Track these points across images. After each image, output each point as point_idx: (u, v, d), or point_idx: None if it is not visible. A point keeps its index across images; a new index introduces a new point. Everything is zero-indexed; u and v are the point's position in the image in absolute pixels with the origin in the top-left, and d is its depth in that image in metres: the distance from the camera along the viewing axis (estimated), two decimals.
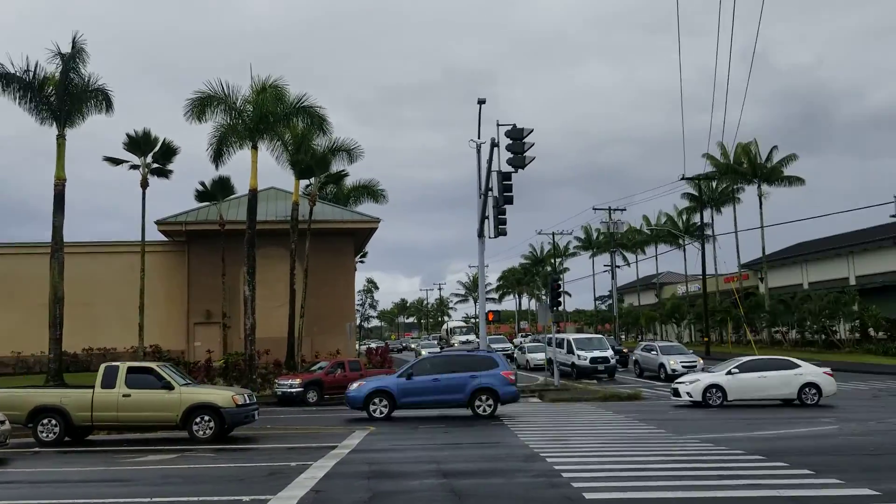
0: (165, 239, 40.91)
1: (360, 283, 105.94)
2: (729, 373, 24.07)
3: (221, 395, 17.45)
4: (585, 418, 20.85)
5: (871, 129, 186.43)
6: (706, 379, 24.28)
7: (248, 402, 17.63)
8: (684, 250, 72.15)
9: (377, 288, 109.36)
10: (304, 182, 39.86)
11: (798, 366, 24.23)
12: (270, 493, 9.87)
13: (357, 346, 55.74)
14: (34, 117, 30.93)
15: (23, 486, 11.46)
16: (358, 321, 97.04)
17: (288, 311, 36.23)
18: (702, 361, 36.74)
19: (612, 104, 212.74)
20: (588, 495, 9.67)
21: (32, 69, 30.24)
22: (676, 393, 24.47)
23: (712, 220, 65.33)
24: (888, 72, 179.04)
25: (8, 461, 14.39)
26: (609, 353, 37.76)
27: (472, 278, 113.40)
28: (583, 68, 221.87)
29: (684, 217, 70.38)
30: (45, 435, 16.87)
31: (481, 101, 28.19)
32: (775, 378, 23.76)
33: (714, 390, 23.61)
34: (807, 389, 23.57)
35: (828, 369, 24.91)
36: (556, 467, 11.95)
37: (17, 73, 30.08)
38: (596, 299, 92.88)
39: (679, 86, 63.97)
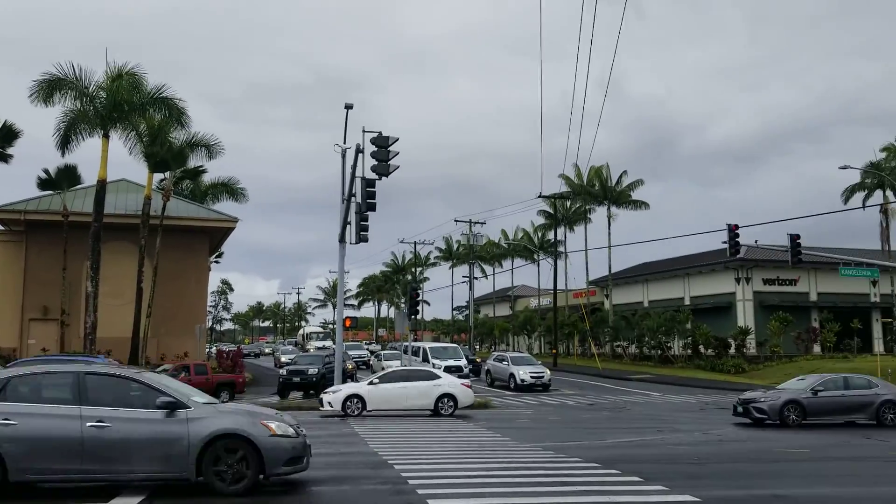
0: (1, 228, 38.05)
1: (214, 283, 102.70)
2: (371, 383, 24.95)
3: None
4: (436, 426, 21.24)
5: (712, 161, 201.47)
6: (347, 389, 24.90)
7: None
8: (538, 265, 75.00)
9: (232, 290, 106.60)
10: (158, 176, 38.33)
11: (438, 377, 25.32)
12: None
13: (208, 349, 53.94)
14: None
15: None
16: (210, 323, 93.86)
17: (134, 310, 34.62)
18: (549, 372, 38.30)
19: (478, 119, 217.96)
20: (431, 501, 9.95)
21: None
22: (321, 403, 24.83)
23: (565, 237, 68.55)
24: (727, 109, 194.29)
25: None
26: (463, 362, 38.62)
27: (331, 284, 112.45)
28: (450, 82, 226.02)
29: (540, 233, 73.26)
30: None
31: (348, 106, 28.20)
32: (415, 389, 24.62)
33: (354, 400, 24.02)
34: (444, 400, 24.57)
35: (467, 381, 26.59)
36: (404, 474, 12.17)
37: None
38: (454, 309, 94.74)
39: (540, 106, 66.53)
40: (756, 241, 40.01)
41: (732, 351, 49.40)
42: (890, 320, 51.89)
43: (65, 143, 32.14)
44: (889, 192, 48.34)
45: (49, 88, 30.53)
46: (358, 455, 14.97)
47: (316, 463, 13.89)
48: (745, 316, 53.06)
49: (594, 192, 61.81)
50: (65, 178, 36.57)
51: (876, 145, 49.13)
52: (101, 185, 31.52)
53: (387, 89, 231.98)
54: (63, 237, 35.84)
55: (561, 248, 66.43)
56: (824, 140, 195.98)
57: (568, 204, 65.60)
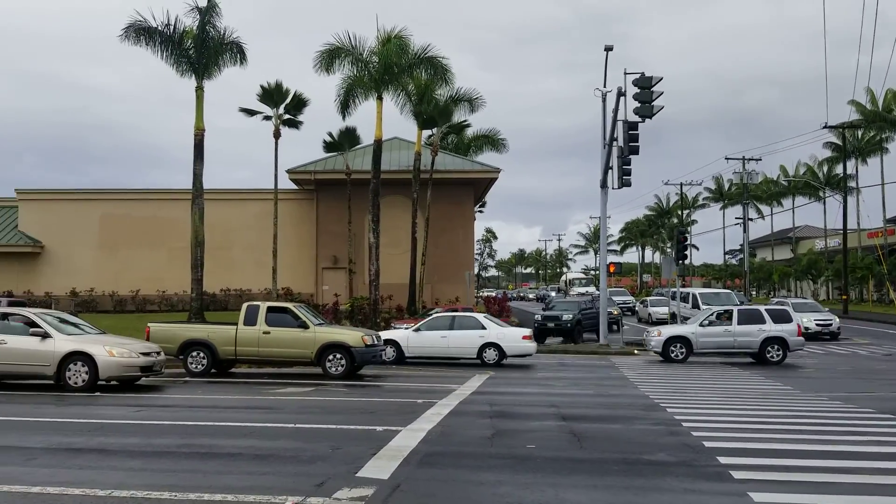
0: (296, 187, 42.69)
1: (479, 232, 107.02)
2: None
3: (352, 335, 18.41)
4: (709, 373, 20.57)
5: None
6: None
7: (375, 342, 18.54)
8: (824, 203, 68.30)
9: (496, 238, 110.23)
10: (426, 132, 40.49)
11: (485, 328, 22.16)
12: (401, 426, 10.50)
13: (475, 295, 56.47)
14: (174, 69, 32.40)
15: (182, 410, 12.70)
16: (476, 270, 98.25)
17: (410, 259, 37.24)
18: (838, 320, 35.06)
19: (755, 43, 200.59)
20: (708, 444, 9.73)
21: (172, 23, 31.51)
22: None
23: (856, 171, 61.28)
24: None
25: (164, 388, 15.91)
26: None
27: (592, 229, 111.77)
28: (722, 4, 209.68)
29: (825, 168, 66.49)
30: (193, 366, 18.40)
31: (608, 49, 27.55)
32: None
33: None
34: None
35: (527, 332, 23.49)
36: (677, 417, 12.00)
37: (159, 28, 31.52)
38: (725, 253, 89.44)
39: (823, 20, 59.74)
40: None
41: None
42: None
43: (344, 107, 35.04)
44: None
45: (329, 58, 33.34)
46: (628, 397, 15.02)
47: (585, 402, 14.26)
48: None
49: (892, 118, 54.56)
50: (346, 140, 39.96)
51: None
52: (378, 145, 34.04)
53: (652, 20, 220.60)
54: (347, 193, 39.36)
55: (851, 184, 59.58)
56: None
57: (859, 134, 58.65)
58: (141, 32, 31.42)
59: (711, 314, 24.90)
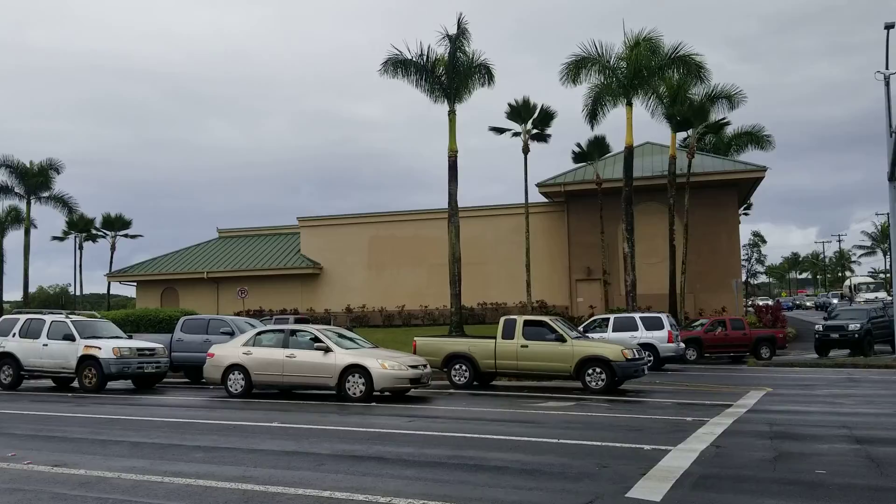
0: (546, 200, 43.00)
1: (744, 236, 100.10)
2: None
3: (611, 348, 17.98)
4: None
5: None
6: None
7: (636, 356, 17.93)
8: None
9: (764, 242, 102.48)
10: (680, 134, 38.85)
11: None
12: (670, 445, 9.93)
13: (745, 304, 52.94)
14: (428, 96, 34.35)
15: (449, 421, 13.14)
16: (744, 277, 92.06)
17: (668, 268, 35.84)
18: None
19: None
20: None
21: (425, 53, 33.61)
22: None
23: None
24: None
25: (431, 399, 16.62)
26: None
27: (880, 228, 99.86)
28: None
29: None
30: (457, 378, 19.09)
31: (888, 26, 24.54)
32: None
33: None
34: None
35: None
36: None
37: (413, 59, 33.69)
38: None
39: None
40: None
41: None
42: None
43: (592, 116, 34.73)
44: None
45: (575, 69, 33.23)
46: None
47: (885, 423, 12.71)
48: None
49: None
50: (595, 149, 39.56)
51: None
52: (629, 151, 33.25)
53: None
54: (598, 203, 38.85)
55: None
56: None
57: None
58: (397, 65, 33.66)
59: (591, 322, 26.32)
